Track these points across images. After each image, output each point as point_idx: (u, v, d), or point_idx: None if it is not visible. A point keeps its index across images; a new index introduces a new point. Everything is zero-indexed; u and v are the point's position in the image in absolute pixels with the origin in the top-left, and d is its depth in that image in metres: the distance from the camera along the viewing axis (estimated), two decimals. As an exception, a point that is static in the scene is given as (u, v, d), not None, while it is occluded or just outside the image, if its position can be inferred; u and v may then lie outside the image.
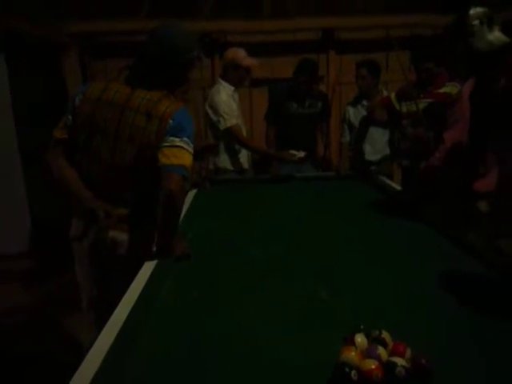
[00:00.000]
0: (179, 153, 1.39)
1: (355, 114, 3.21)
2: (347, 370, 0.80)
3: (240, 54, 2.75)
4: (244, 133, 2.90)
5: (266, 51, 4.05)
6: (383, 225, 1.85)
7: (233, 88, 2.80)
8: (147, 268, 1.35)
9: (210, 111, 2.76)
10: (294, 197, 2.44)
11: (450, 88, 2.57)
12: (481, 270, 1.32)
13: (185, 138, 1.41)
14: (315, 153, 3.30)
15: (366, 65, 3.05)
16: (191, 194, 2.38)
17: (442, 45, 2.85)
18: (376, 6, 4.00)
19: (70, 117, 1.50)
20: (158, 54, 1.44)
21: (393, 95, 2.81)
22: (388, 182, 2.58)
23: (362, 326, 0.93)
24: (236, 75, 2.76)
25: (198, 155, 2.13)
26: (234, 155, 2.88)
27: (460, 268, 1.35)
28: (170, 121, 1.41)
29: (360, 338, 0.89)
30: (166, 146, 1.39)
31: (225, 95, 2.72)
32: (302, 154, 2.64)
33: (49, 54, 3.67)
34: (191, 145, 1.43)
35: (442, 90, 2.58)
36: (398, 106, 2.75)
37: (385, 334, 0.90)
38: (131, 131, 1.44)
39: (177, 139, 1.40)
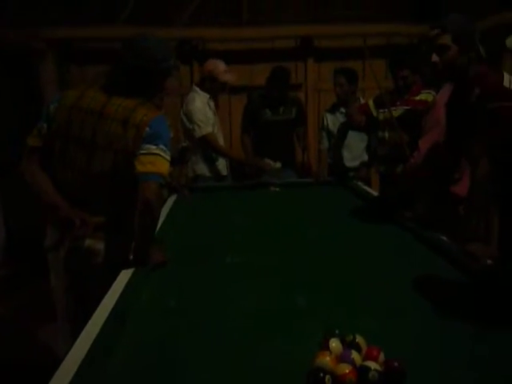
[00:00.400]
0: (156, 160, 1.38)
1: (333, 121, 3.25)
2: (321, 375, 0.80)
3: (219, 68, 2.78)
4: (221, 140, 2.93)
5: (244, 58, 4.08)
6: (360, 230, 1.88)
7: (208, 96, 2.83)
8: (123, 277, 1.33)
9: (184, 119, 2.78)
10: (273, 203, 2.45)
11: (425, 95, 2.62)
12: (456, 275, 1.35)
13: (161, 146, 1.40)
14: (294, 159, 3.32)
15: (343, 72, 3.09)
16: (170, 200, 2.36)
17: (417, 53, 2.94)
18: (353, 15, 4.09)
19: (44, 125, 1.48)
20: (135, 63, 1.44)
21: (371, 102, 2.86)
22: (366, 188, 2.62)
23: (336, 331, 0.94)
24: (212, 87, 2.80)
25: (176, 160, 2.15)
26: (211, 162, 2.90)
27: (435, 273, 1.38)
28: (147, 128, 1.40)
29: (335, 343, 0.90)
30: (143, 154, 1.39)
31: (200, 103, 2.74)
32: (278, 164, 2.66)
33: (25, 59, 3.60)
34: (168, 152, 1.43)
35: (418, 98, 2.63)
36: (375, 113, 2.80)
37: (359, 339, 0.91)
38: (107, 138, 1.43)
39: (153, 147, 1.39)
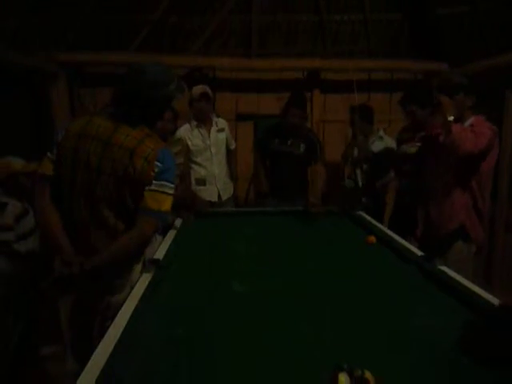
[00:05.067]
0: (163, 199, 1.45)
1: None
2: (331, 410, 0.80)
3: (196, 90, 2.89)
4: (213, 165, 3.01)
5: (252, 88, 4.19)
6: (363, 260, 1.88)
7: (195, 123, 2.94)
8: (128, 306, 1.32)
9: None
10: (278, 231, 2.46)
11: None
12: (462, 312, 1.34)
13: (169, 182, 1.47)
14: (303, 192, 3.14)
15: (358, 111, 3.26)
16: (177, 223, 2.38)
17: (427, 89, 3.05)
18: (359, 50, 4.22)
19: (54, 152, 1.51)
20: (136, 91, 1.47)
21: None
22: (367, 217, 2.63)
23: (345, 365, 0.94)
24: (194, 111, 2.92)
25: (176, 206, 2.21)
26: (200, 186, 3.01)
27: (441, 309, 1.37)
28: (158, 163, 1.45)
29: (343, 378, 0.90)
30: (153, 190, 1.45)
31: (181, 131, 2.91)
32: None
33: (37, 83, 3.69)
34: (173, 186, 1.50)
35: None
36: None
37: (367, 374, 0.91)
38: (114, 165, 1.46)
39: (163, 182, 1.45)
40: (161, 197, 1.44)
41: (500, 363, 1.04)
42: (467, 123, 2.19)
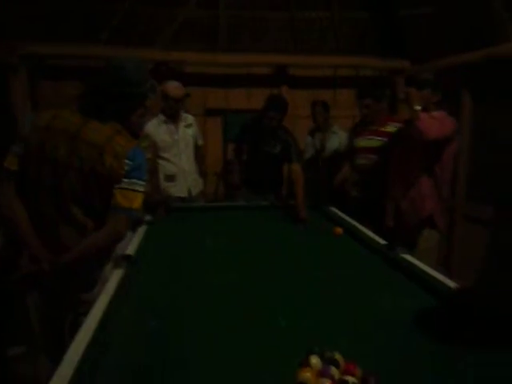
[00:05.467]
0: (134, 196, 1.44)
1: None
2: (304, 389, 0.85)
3: (170, 85, 2.84)
4: (183, 161, 2.98)
5: (220, 83, 4.20)
6: (334, 252, 1.96)
7: (163, 118, 2.90)
8: (101, 301, 1.31)
9: None
10: (249, 225, 2.50)
11: (391, 128, 2.81)
12: (426, 296, 1.43)
13: (141, 180, 1.46)
14: (277, 191, 3.22)
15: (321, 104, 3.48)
16: (147, 219, 2.37)
17: (382, 84, 3.20)
18: (326, 47, 4.31)
19: (21, 145, 1.45)
20: (113, 87, 1.46)
21: None
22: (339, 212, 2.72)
23: (316, 349, 0.99)
24: (166, 106, 2.87)
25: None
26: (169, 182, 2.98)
27: (406, 295, 1.45)
28: (128, 161, 1.43)
29: (315, 360, 0.95)
30: (123, 188, 1.43)
31: (148, 126, 2.82)
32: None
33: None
34: (144, 183, 1.49)
35: (384, 129, 2.83)
36: None
37: (337, 355, 0.96)
38: (82, 161, 1.43)
39: (134, 180, 1.44)
40: (132, 194, 1.44)
41: (455, 340, 1.13)
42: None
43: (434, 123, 2.21)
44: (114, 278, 1.48)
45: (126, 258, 1.67)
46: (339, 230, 2.18)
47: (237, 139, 3.15)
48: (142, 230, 2.16)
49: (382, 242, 1.95)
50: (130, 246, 1.87)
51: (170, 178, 2.99)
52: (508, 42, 3.02)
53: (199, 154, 3.22)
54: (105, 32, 3.85)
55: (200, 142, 3.22)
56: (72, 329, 1.33)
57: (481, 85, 3.43)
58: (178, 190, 3.00)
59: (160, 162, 2.97)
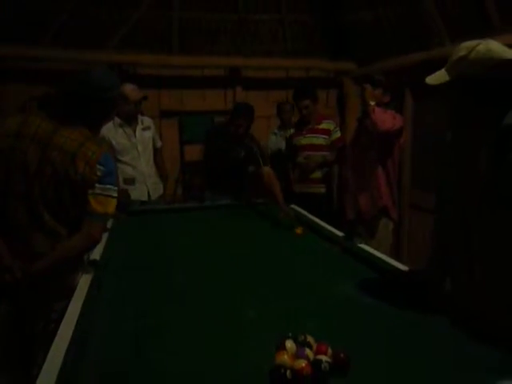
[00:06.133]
0: (107, 202, 1.47)
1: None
2: (283, 370, 0.93)
3: (127, 88, 2.78)
4: (142, 164, 2.96)
5: (175, 84, 4.19)
6: (298, 248, 2.06)
7: (118, 121, 2.85)
8: (74, 306, 1.31)
9: None
10: (212, 224, 2.54)
11: (327, 125, 3.20)
12: (378, 278, 1.57)
13: (113, 185, 1.49)
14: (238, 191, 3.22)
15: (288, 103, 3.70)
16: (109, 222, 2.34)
17: (316, 85, 3.46)
18: (277, 50, 4.44)
19: None
20: (83, 91, 1.47)
21: None
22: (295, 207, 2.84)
23: (289, 334, 1.07)
24: (124, 109, 2.80)
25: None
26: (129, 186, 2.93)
27: (363, 280, 1.58)
28: (100, 167, 1.45)
29: (289, 344, 1.03)
30: (97, 194, 1.45)
31: (104, 131, 2.73)
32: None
33: None
34: (117, 188, 1.52)
35: (320, 126, 3.19)
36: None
37: (309, 338, 1.05)
38: (54, 168, 1.43)
39: (107, 186, 1.47)
40: (106, 200, 1.46)
41: (406, 314, 1.27)
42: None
43: (387, 116, 2.44)
44: (82, 284, 1.49)
45: (92, 263, 1.66)
46: (299, 230, 2.24)
47: (205, 145, 3.17)
48: (104, 234, 2.14)
49: (341, 234, 2.08)
50: (95, 250, 1.86)
51: (129, 181, 2.95)
52: (442, 46, 3.30)
53: (158, 156, 3.21)
54: (50, 33, 3.71)
55: (158, 145, 3.21)
56: (43, 336, 1.32)
57: (420, 85, 3.70)
58: (138, 193, 2.96)
59: (119, 165, 2.92)
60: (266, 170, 2.84)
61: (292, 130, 3.51)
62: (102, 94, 1.50)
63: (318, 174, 3.22)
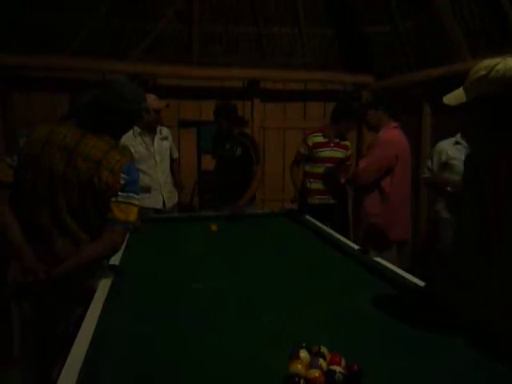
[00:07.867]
0: (129, 210, 1.51)
1: None
2: (296, 379, 0.94)
3: (149, 98, 2.81)
4: (158, 172, 3.03)
5: (194, 95, 4.27)
6: (311, 256, 2.07)
7: (138, 130, 2.93)
8: (94, 309, 1.35)
9: None
10: (228, 232, 2.57)
11: (347, 142, 3.42)
12: (392, 291, 1.57)
13: (135, 194, 1.54)
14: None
15: None
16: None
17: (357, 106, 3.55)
18: (295, 62, 4.49)
19: (15, 158, 1.51)
20: (113, 102, 1.53)
21: None
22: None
23: (303, 344, 1.08)
24: (147, 118, 2.86)
25: None
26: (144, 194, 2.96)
27: (377, 291, 1.58)
28: (124, 175, 1.50)
29: (303, 353, 1.04)
30: (119, 202, 1.50)
31: (124, 139, 2.79)
32: None
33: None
34: (139, 196, 1.57)
35: (344, 143, 3.38)
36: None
37: (323, 349, 1.06)
38: (79, 175, 1.49)
39: (131, 194, 1.51)
40: (128, 208, 1.50)
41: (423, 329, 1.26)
42: (380, 133, 2.72)
43: (367, 174, 2.63)
44: (102, 288, 1.52)
45: (111, 268, 1.70)
46: (214, 227, 2.50)
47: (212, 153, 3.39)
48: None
49: (356, 246, 2.08)
50: (115, 256, 1.91)
51: (146, 189, 3.01)
52: (462, 61, 3.29)
53: (174, 166, 3.27)
54: (75, 43, 3.84)
55: (175, 155, 3.27)
56: (63, 338, 1.36)
57: (439, 98, 3.68)
58: (152, 201, 3.02)
59: None
60: (256, 168, 3.12)
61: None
62: (129, 105, 1.56)
63: (320, 186, 3.28)
